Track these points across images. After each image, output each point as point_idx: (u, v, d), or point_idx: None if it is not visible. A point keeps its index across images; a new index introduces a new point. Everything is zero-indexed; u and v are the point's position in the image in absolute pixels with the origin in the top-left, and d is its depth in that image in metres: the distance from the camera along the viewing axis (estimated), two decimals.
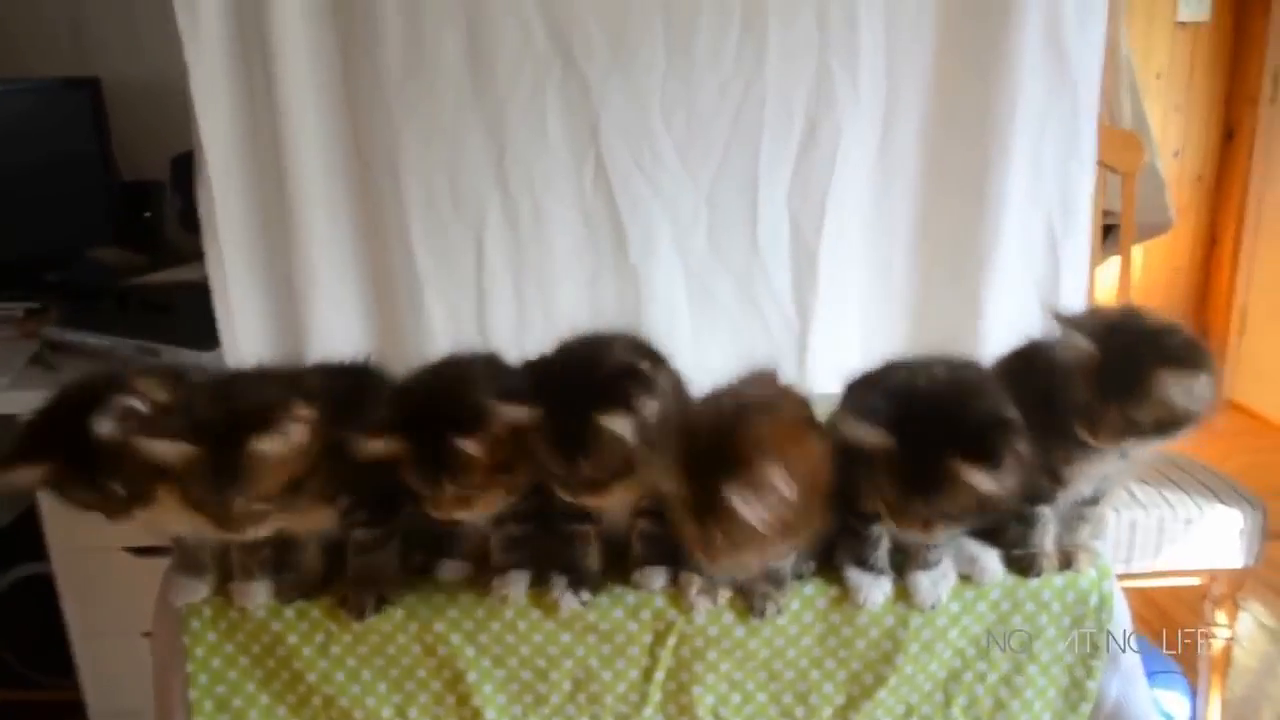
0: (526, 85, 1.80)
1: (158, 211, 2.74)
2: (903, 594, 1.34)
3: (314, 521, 1.26)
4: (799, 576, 1.35)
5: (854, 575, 1.33)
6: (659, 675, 1.36)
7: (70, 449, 1.14)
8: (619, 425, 1.13)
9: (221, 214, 1.81)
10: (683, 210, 1.89)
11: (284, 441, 1.14)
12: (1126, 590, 1.44)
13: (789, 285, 1.95)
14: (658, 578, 1.33)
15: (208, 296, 1.85)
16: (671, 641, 1.34)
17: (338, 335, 1.87)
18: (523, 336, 1.89)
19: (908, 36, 1.84)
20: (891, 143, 1.90)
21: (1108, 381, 1.19)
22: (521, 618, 1.33)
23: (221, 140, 1.78)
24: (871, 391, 1.23)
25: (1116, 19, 3.45)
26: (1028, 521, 1.35)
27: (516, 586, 1.32)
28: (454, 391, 1.21)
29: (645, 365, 1.22)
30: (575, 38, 1.78)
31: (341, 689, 1.35)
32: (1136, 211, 2.64)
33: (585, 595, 1.32)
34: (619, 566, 1.36)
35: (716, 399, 1.20)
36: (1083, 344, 1.20)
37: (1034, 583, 1.36)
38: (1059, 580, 1.37)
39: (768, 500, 1.06)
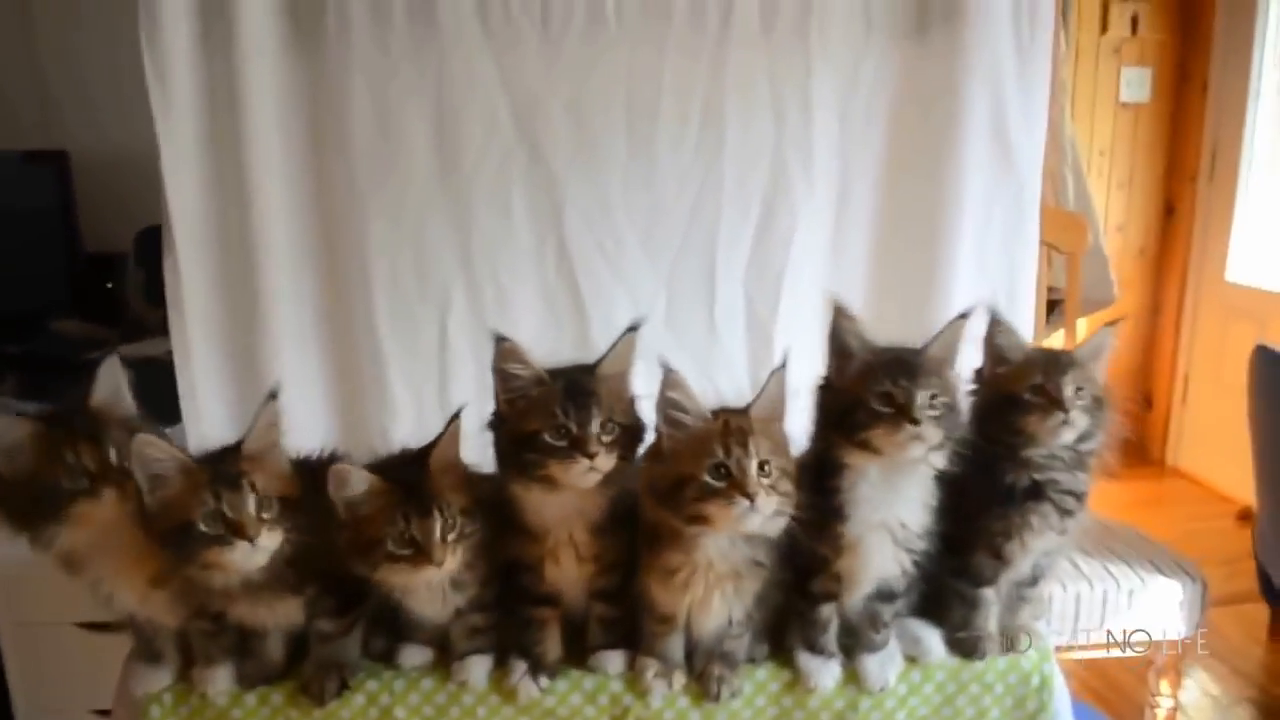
0: (492, 171, 1.85)
1: (120, 283, 2.75)
2: (852, 677, 1.38)
3: (280, 612, 1.28)
4: (751, 660, 1.39)
5: (804, 659, 1.37)
6: None
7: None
8: None
9: (187, 288, 1.81)
10: (643, 292, 1.94)
11: None
12: (1076, 661, 1.48)
13: (745, 362, 2.00)
14: (615, 661, 1.36)
15: (170, 371, 1.85)
16: None
17: (300, 411, 1.86)
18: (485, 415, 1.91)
19: (859, 132, 1.92)
20: (844, 229, 1.98)
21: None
22: (481, 703, 1.35)
23: (189, 216, 1.79)
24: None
25: (1060, 102, 3.60)
26: (971, 604, 1.41)
27: (476, 672, 1.34)
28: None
29: None
30: (540, 126, 1.84)
31: None
32: (1081, 287, 2.74)
33: (544, 681, 1.34)
34: (577, 648, 1.39)
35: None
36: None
37: (978, 665, 1.41)
38: (1001, 662, 1.42)
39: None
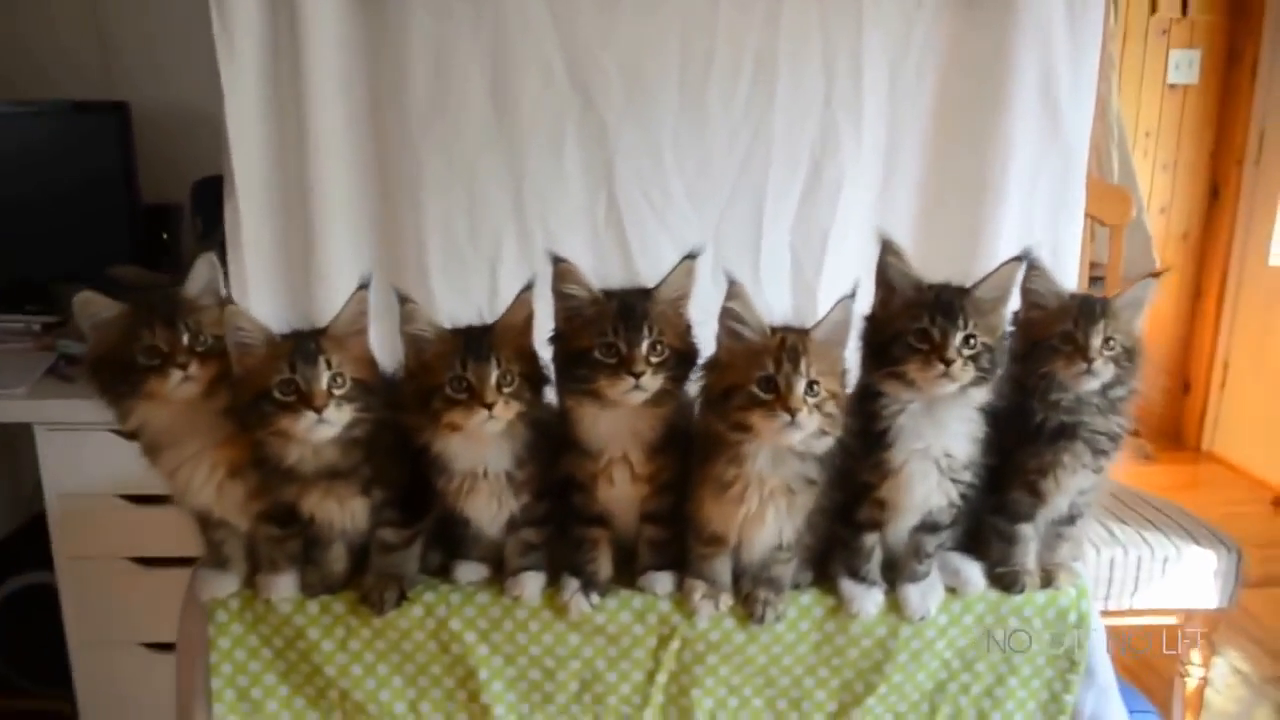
0: (546, 123, 1.89)
1: (175, 234, 2.82)
2: (894, 605, 1.42)
3: (348, 512, 1.33)
4: (796, 586, 1.43)
5: (848, 586, 1.41)
6: (661, 678, 1.43)
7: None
8: None
9: (246, 235, 1.87)
10: (689, 244, 1.96)
11: None
12: (1105, 628, 1.52)
13: (789, 317, 2.02)
14: (664, 583, 1.41)
15: None
16: (675, 645, 1.41)
17: None
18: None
19: (909, 94, 1.94)
20: (890, 188, 1.99)
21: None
22: (534, 618, 1.40)
23: (251, 165, 1.85)
24: None
25: (1108, 78, 3.59)
26: (1010, 539, 1.44)
27: (530, 588, 1.39)
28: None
29: None
30: (594, 81, 1.87)
31: (358, 683, 1.42)
32: (1123, 263, 2.74)
33: (595, 598, 1.39)
34: (626, 571, 1.43)
35: None
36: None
37: (1017, 599, 1.44)
38: (1040, 597, 1.45)
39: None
